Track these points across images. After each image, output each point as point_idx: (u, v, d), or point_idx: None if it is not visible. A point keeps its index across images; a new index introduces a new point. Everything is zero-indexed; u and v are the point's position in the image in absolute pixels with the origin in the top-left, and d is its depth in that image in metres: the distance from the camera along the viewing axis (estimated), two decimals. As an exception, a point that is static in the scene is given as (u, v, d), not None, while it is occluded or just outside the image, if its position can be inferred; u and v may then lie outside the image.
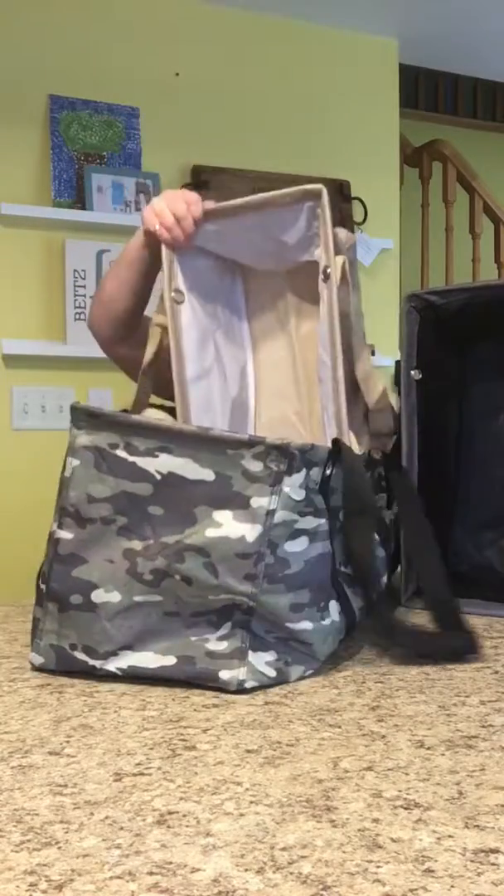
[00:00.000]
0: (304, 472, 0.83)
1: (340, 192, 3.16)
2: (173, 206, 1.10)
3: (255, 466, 0.81)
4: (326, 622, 0.88)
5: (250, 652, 0.81)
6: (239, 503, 0.81)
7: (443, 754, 0.65)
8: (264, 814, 0.55)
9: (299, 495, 0.83)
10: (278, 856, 0.49)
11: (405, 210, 3.41)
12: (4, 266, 2.75)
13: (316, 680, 0.85)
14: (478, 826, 0.53)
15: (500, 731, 0.70)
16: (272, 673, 0.83)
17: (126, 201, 2.84)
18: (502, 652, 0.96)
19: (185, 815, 0.55)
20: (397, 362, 1.29)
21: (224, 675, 0.81)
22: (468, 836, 0.52)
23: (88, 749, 0.67)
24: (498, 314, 1.22)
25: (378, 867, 0.48)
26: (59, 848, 0.51)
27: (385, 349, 3.19)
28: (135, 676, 0.83)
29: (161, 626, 0.83)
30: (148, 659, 0.83)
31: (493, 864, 0.48)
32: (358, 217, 3.18)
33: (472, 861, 0.48)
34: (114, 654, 0.83)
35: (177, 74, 2.97)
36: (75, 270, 2.77)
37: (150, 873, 0.47)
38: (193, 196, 1.12)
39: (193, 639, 0.82)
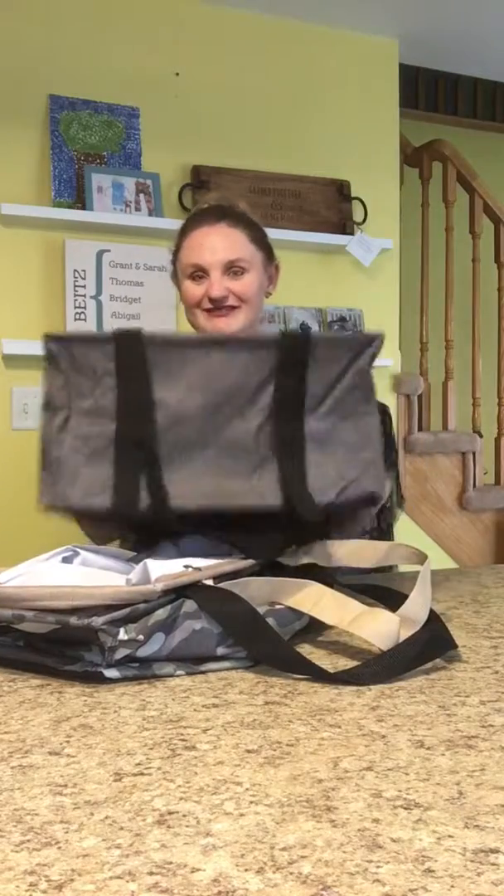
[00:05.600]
0: None
1: (340, 192, 3.16)
2: None
3: None
4: None
5: None
6: None
7: (443, 754, 0.65)
8: (264, 814, 0.55)
9: None
10: (278, 856, 0.49)
11: (405, 210, 3.41)
12: (4, 266, 2.75)
13: (316, 680, 0.85)
14: (478, 826, 0.53)
15: (500, 731, 0.70)
16: None
17: (126, 201, 2.84)
18: (502, 652, 0.96)
19: (185, 815, 0.55)
20: None
21: None
22: (468, 836, 0.52)
23: (88, 749, 0.67)
24: None
25: (378, 867, 0.48)
26: (59, 848, 0.51)
27: (385, 349, 3.19)
28: None
29: None
30: None
31: (493, 864, 0.48)
32: (358, 217, 3.18)
33: (472, 861, 0.48)
34: None
35: (177, 74, 2.97)
36: (75, 270, 2.77)
37: (150, 873, 0.47)
38: None
39: None
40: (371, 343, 1.17)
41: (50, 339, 1.18)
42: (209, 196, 1.82)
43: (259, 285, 1.63)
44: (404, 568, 1.32)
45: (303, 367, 1.13)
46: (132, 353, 1.14)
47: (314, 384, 1.14)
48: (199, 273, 1.59)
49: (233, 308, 1.60)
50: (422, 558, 1.07)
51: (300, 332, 1.16)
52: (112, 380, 1.14)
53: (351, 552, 1.17)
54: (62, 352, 1.16)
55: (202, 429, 1.13)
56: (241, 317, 1.61)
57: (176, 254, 1.66)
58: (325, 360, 1.14)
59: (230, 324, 1.60)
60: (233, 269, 1.59)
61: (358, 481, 1.14)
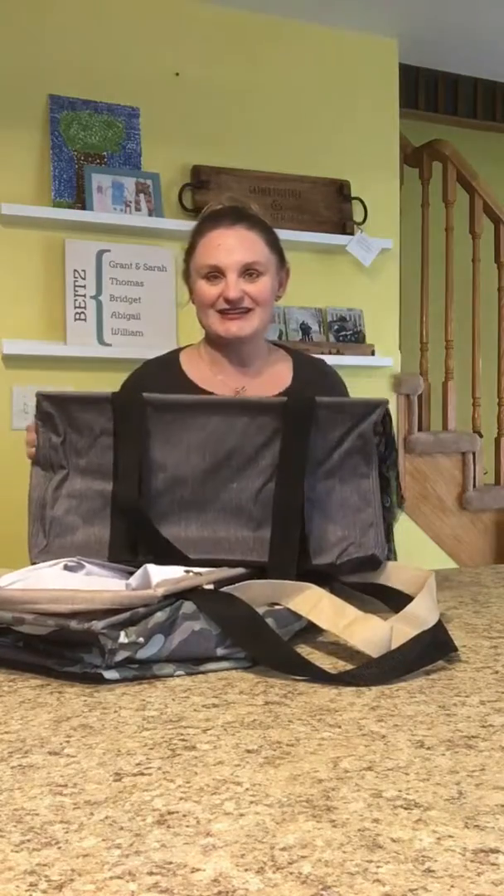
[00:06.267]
0: None
1: (340, 192, 3.16)
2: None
3: None
4: None
5: None
6: None
7: (443, 754, 0.65)
8: (264, 814, 0.55)
9: None
10: (278, 856, 0.49)
11: (405, 210, 3.41)
12: (4, 266, 2.75)
13: (316, 680, 0.85)
14: (478, 826, 0.53)
15: (500, 731, 0.70)
16: None
17: (126, 201, 2.84)
18: (502, 652, 0.96)
19: (185, 815, 0.55)
20: None
21: None
22: (468, 836, 0.52)
23: (88, 749, 0.67)
24: None
25: (378, 867, 0.48)
26: (59, 848, 0.51)
27: (385, 349, 3.19)
28: None
29: None
30: None
31: (493, 864, 0.48)
32: (358, 217, 3.18)
33: (472, 861, 0.48)
34: None
35: (177, 74, 2.97)
36: (75, 270, 2.77)
37: (150, 873, 0.47)
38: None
39: None
40: (374, 410, 1.17)
41: (44, 398, 1.18)
42: (223, 196, 1.83)
43: (273, 288, 1.66)
44: (403, 560, 1.32)
45: (305, 433, 1.13)
46: (130, 416, 1.15)
47: (315, 448, 1.14)
48: (215, 273, 1.61)
49: (248, 310, 1.62)
50: (425, 576, 1.07)
51: (303, 398, 1.16)
52: (109, 439, 1.15)
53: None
54: (58, 412, 1.17)
55: (200, 491, 1.14)
56: (254, 319, 1.63)
57: (190, 253, 1.67)
58: (328, 425, 1.15)
59: (243, 326, 1.63)
60: (249, 271, 1.61)
61: (358, 543, 1.15)
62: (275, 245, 1.67)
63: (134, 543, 1.13)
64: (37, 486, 1.19)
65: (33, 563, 1.13)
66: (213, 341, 1.70)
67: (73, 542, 1.15)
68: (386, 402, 1.20)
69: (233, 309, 1.61)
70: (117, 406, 1.15)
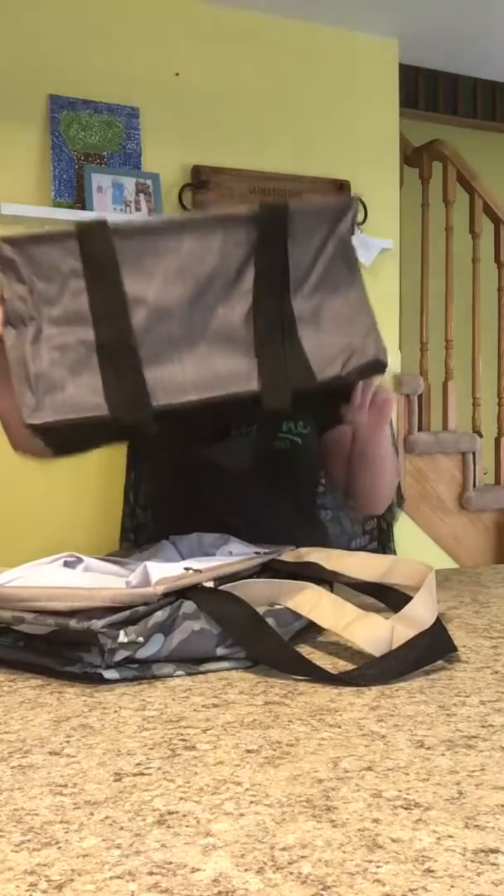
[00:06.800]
0: None
1: (340, 192, 3.16)
2: None
3: None
4: None
5: None
6: None
7: (443, 754, 0.65)
8: (264, 814, 0.55)
9: None
10: (278, 856, 0.49)
11: (405, 210, 3.41)
12: (4, 266, 2.75)
13: (316, 680, 0.85)
14: (478, 826, 0.53)
15: (500, 731, 0.70)
16: None
17: (126, 201, 2.84)
18: (502, 652, 0.96)
19: (185, 815, 0.55)
20: None
21: None
22: (468, 836, 0.52)
23: (88, 749, 0.67)
24: None
25: (378, 867, 0.48)
26: (59, 848, 0.51)
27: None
28: None
29: None
30: None
31: (493, 864, 0.48)
32: (358, 217, 3.17)
33: (472, 861, 0.48)
34: None
35: (177, 74, 2.97)
36: (75, 270, 2.77)
37: (150, 873, 0.47)
38: None
39: None
40: (348, 208, 1.11)
41: (4, 242, 1.08)
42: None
43: None
44: (402, 553, 1.32)
45: (283, 243, 1.07)
46: (99, 248, 1.06)
47: (296, 259, 1.08)
48: None
49: None
50: (426, 572, 1.07)
51: (275, 204, 1.09)
52: (80, 281, 1.06)
53: (353, 563, 1.16)
54: (20, 256, 1.06)
55: (188, 322, 1.06)
56: None
57: None
58: (305, 232, 1.08)
59: None
60: None
61: (359, 350, 1.09)
62: None
63: (131, 386, 1.05)
64: (13, 347, 1.08)
65: (28, 426, 1.06)
66: None
67: (66, 399, 1.06)
68: (356, 200, 1.14)
69: None
70: (84, 239, 1.07)
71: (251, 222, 1.08)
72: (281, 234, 1.07)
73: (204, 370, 1.06)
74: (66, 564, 1.06)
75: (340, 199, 1.12)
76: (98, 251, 1.06)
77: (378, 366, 1.12)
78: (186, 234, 1.07)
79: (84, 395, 1.05)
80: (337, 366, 1.08)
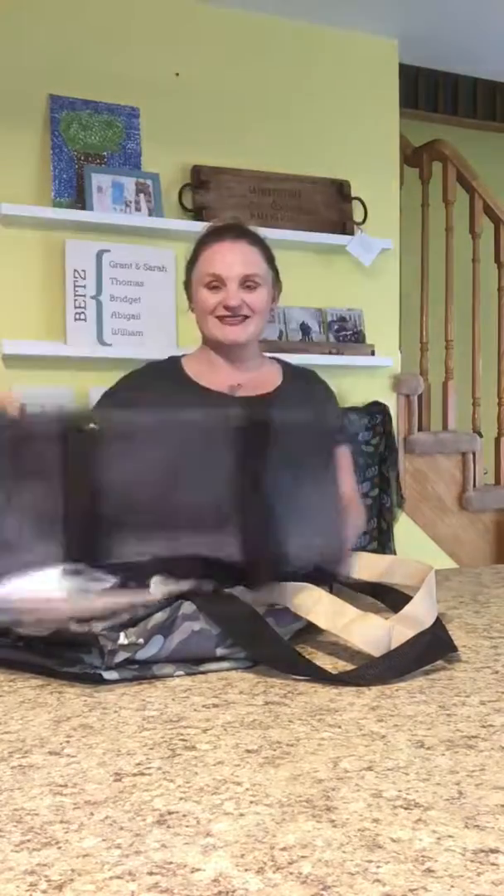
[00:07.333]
0: None
1: (340, 192, 3.16)
2: None
3: None
4: None
5: None
6: None
7: (443, 754, 0.65)
8: (264, 814, 0.55)
9: None
10: (278, 856, 0.49)
11: (405, 210, 3.41)
12: (4, 266, 2.75)
13: (316, 680, 0.85)
14: (478, 826, 0.53)
15: (500, 731, 0.70)
16: None
17: (126, 201, 2.83)
18: (502, 652, 0.96)
19: (185, 815, 0.55)
20: None
21: None
22: (468, 836, 0.52)
23: (88, 749, 0.67)
24: None
25: (378, 867, 0.48)
26: (59, 848, 0.51)
27: (385, 349, 3.19)
28: None
29: None
30: None
31: (493, 864, 0.48)
32: (358, 217, 3.17)
33: (472, 861, 0.48)
34: None
35: (177, 74, 2.97)
36: (75, 270, 2.76)
37: (150, 873, 0.47)
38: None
39: None
40: (333, 432, 1.19)
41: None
42: (224, 215, 2.00)
43: (268, 300, 1.82)
44: (402, 553, 1.32)
45: (263, 451, 1.14)
46: (81, 442, 1.13)
47: (274, 458, 1.13)
48: (216, 283, 1.76)
49: (245, 318, 1.77)
50: (426, 572, 1.07)
51: (262, 418, 1.17)
52: (60, 463, 1.11)
53: (353, 563, 1.17)
54: (4, 430, 1.15)
55: (160, 507, 1.12)
56: (251, 326, 1.78)
57: (192, 263, 1.83)
58: (287, 441, 1.15)
59: (241, 333, 1.77)
60: (248, 282, 1.77)
61: (317, 547, 1.14)
62: (272, 262, 1.85)
63: (90, 553, 1.09)
64: None
65: None
66: (212, 345, 1.83)
67: (28, 560, 1.09)
68: (344, 426, 1.23)
69: (232, 315, 1.75)
70: (69, 434, 1.13)
71: (234, 430, 1.15)
72: (263, 446, 1.14)
73: (173, 550, 1.09)
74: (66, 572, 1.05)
75: (328, 423, 1.20)
76: (81, 443, 1.13)
77: (333, 562, 1.16)
78: (169, 432, 1.15)
79: (44, 562, 1.08)
80: (293, 557, 1.12)
